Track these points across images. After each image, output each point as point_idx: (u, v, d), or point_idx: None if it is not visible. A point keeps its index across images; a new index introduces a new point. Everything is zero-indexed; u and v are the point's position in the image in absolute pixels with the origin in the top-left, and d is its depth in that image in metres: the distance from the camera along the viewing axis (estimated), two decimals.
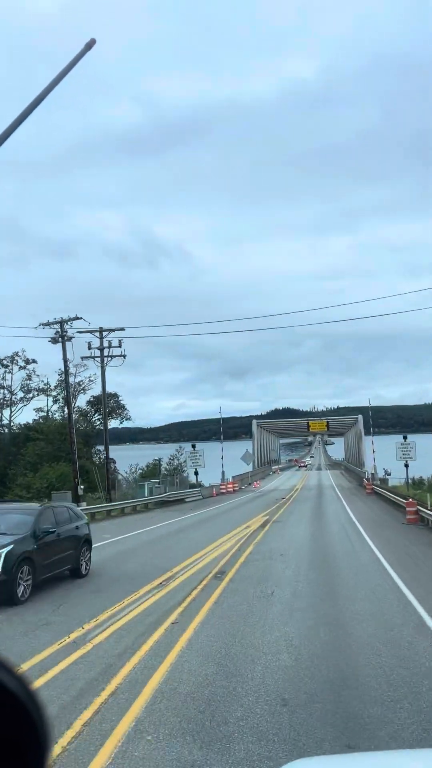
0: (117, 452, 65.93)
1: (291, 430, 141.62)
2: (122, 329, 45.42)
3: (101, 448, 57.45)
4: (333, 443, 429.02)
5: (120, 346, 45.87)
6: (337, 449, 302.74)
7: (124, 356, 45.77)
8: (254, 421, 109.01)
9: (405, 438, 59.24)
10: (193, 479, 67.22)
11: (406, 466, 56.71)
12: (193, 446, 69.15)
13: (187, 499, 52.52)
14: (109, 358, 46.10)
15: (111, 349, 46.02)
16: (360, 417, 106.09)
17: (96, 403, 69.96)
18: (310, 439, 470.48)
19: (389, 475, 67.19)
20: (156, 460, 77.75)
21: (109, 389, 70.98)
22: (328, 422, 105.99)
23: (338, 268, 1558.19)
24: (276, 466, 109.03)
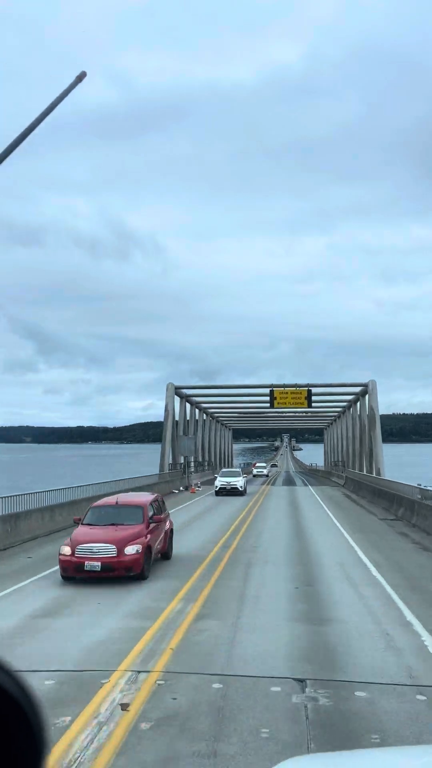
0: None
1: (248, 414, 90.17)
2: None
3: None
4: (301, 449, 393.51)
5: None
6: (310, 455, 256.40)
7: None
8: (170, 385, 57.77)
9: None
10: None
11: None
12: None
13: None
14: None
15: None
16: (373, 382, 55.47)
17: None
18: (276, 443, 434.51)
19: None
20: None
21: None
22: (309, 392, 55.46)
23: (312, 270, 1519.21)
24: (194, 482, 51.73)
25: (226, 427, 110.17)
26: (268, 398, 55.85)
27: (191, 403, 67.92)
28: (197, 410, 75.40)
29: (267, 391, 56.08)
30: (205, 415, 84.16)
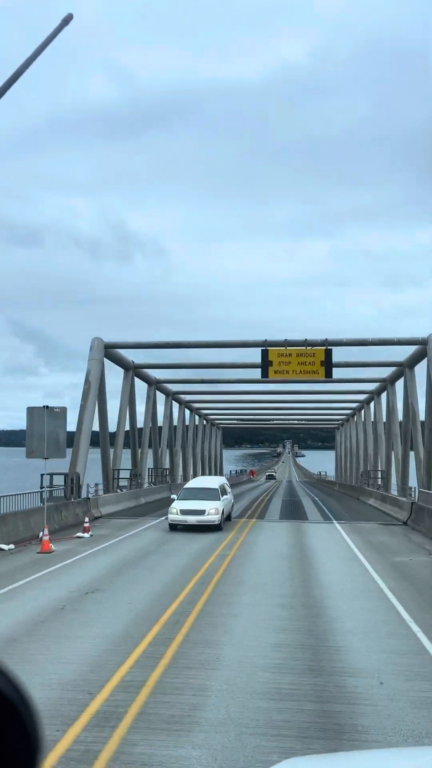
0: None
1: (234, 402, 67.18)
2: None
3: None
4: (304, 455, 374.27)
5: None
6: (314, 462, 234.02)
7: None
8: (97, 342, 35.07)
9: None
10: None
11: None
12: None
13: None
14: None
15: None
16: None
17: None
18: (279, 449, 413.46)
19: None
20: None
21: None
22: (329, 353, 32.73)
23: (314, 275, 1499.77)
24: (99, 512, 30.05)
25: (213, 425, 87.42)
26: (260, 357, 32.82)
27: (161, 390, 45.24)
28: (181, 406, 52.91)
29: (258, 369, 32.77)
30: (188, 410, 61.69)
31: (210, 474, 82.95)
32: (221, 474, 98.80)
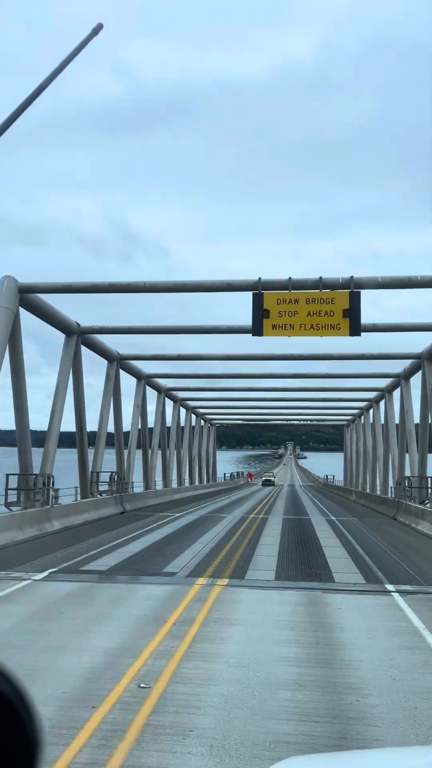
0: None
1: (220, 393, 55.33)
2: None
3: None
4: (306, 457, 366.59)
5: None
6: (316, 464, 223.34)
7: None
8: (6, 282, 23.22)
9: None
10: None
11: None
12: None
13: None
14: None
15: None
16: None
17: None
18: (280, 451, 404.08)
19: None
20: None
21: None
22: (356, 298, 21.64)
23: (319, 275, 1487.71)
24: None
25: (205, 421, 75.85)
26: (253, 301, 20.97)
27: (132, 372, 33.78)
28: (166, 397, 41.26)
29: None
30: (170, 401, 50.20)
31: (202, 477, 71.29)
32: (214, 477, 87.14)
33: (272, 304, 21.73)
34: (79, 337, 28.78)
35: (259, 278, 22.22)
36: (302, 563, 17.81)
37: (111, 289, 24.39)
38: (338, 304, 21.58)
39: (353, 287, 21.94)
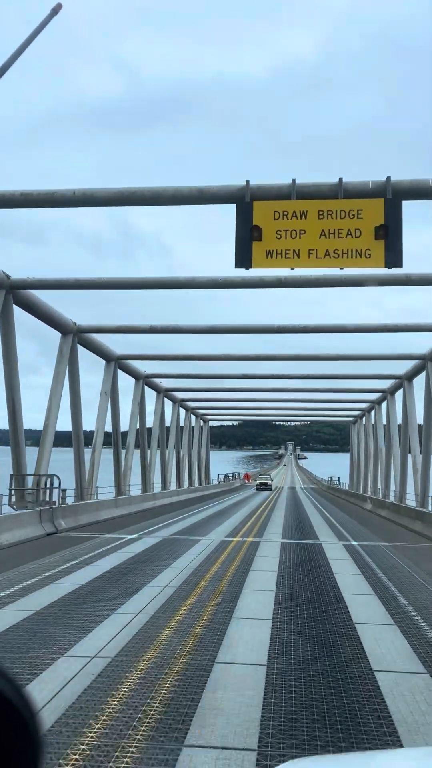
0: None
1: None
2: None
3: None
4: (306, 457, 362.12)
5: None
6: (317, 464, 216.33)
7: None
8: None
9: None
10: None
11: None
12: None
13: None
14: None
15: None
16: None
17: None
18: (281, 451, 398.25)
19: None
20: None
21: None
22: (392, 204, 14.26)
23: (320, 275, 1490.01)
24: None
25: (196, 416, 68.12)
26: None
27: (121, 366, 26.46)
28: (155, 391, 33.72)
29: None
30: (155, 392, 42.51)
31: (193, 480, 63.45)
32: (207, 479, 79.22)
33: (266, 219, 13.92)
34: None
35: (247, 181, 14.38)
36: (325, 699, 6.71)
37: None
38: (367, 217, 13.78)
39: (389, 195, 14.15)
